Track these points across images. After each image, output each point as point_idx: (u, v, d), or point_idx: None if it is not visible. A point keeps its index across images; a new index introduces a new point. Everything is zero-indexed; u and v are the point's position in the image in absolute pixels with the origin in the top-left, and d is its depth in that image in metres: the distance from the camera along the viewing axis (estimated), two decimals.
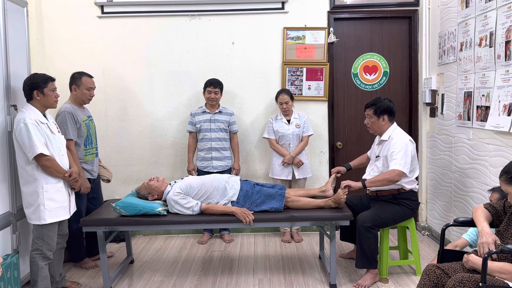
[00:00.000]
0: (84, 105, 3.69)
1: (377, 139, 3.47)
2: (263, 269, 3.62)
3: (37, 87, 2.92)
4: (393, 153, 3.16)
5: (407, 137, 3.26)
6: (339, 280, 3.35)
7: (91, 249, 3.83)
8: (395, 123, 3.37)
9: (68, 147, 3.34)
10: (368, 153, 3.62)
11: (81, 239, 3.66)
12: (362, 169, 3.68)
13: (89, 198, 3.70)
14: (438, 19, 4.11)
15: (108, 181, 3.89)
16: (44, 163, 2.87)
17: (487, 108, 3.19)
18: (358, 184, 3.22)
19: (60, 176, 2.97)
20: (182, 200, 3.21)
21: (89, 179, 3.59)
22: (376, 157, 3.36)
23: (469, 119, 3.49)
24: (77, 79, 3.55)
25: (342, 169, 3.56)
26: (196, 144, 4.25)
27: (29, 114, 2.87)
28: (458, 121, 3.69)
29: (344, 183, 3.24)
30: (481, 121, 3.30)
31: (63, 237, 3.18)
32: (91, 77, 3.62)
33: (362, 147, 4.57)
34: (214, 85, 4.09)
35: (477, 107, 3.35)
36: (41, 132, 2.87)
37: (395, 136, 3.25)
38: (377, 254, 3.22)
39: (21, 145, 2.85)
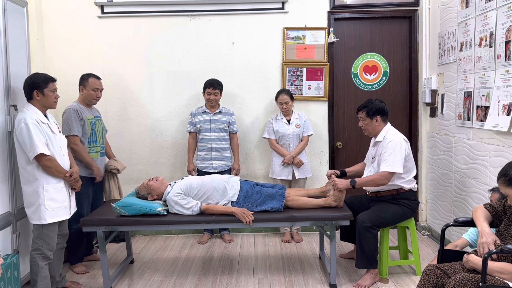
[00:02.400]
0: (93, 106, 3.76)
1: (372, 141, 3.47)
2: (263, 269, 3.62)
3: (37, 87, 2.92)
4: (384, 154, 3.18)
5: (401, 137, 3.27)
6: (339, 280, 3.35)
7: (85, 248, 3.83)
8: (389, 124, 3.37)
9: (74, 143, 3.44)
10: (365, 160, 3.62)
11: (80, 241, 3.64)
12: (359, 176, 3.64)
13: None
14: (438, 19, 4.11)
15: (117, 170, 3.81)
16: (44, 163, 2.87)
17: (487, 108, 3.19)
18: (347, 184, 3.19)
19: (60, 176, 2.98)
20: (182, 201, 3.21)
21: (91, 177, 3.61)
22: (372, 158, 3.37)
23: (469, 119, 3.49)
24: (85, 80, 3.64)
25: (337, 172, 3.55)
26: (196, 144, 4.25)
27: (30, 114, 2.87)
28: (458, 121, 3.69)
29: (333, 181, 3.23)
30: (481, 121, 3.30)
31: (63, 237, 3.18)
32: (98, 78, 3.69)
33: (362, 147, 4.57)
34: (213, 87, 4.08)
35: (477, 107, 3.35)
36: (42, 132, 2.87)
37: (389, 136, 3.26)
38: (377, 254, 3.22)
39: (21, 145, 2.85)
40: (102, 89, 3.73)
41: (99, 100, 3.72)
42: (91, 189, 3.64)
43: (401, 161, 3.16)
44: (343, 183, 3.21)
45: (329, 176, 3.46)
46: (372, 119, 3.31)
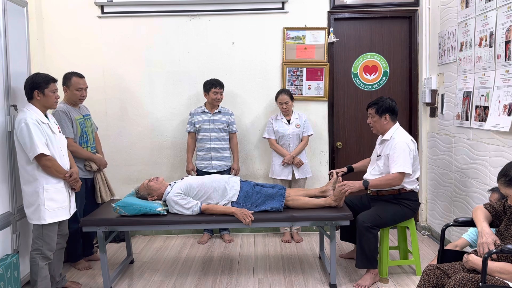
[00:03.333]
0: (81, 104, 3.69)
1: (379, 138, 3.47)
2: (263, 269, 3.62)
3: (38, 87, 2.92)
4: (394, 155, 3.17)
5: (409, 137, 3.27)
6: (339, 280, 3.35)
7: (85, 248, 3.83)
8: (397, 123, 3.37)
9: (69, 144, 3.37)
10: (372, 157, 3.61)
11: (78, 240, 3.65)
12: (364, 171, 3.66)
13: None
14: (438, 19, 4.11)
15: (91, 168, 3.65)
16: (44, 163, 2.87)
17: (486, 108, 3.20)
18: (360, 187, 3.20)
19: (60, 176, 2.97)
20: (182, 201, 3.20)
21: (84, 178, 3.59)
22: (378, 156, 3.36)
23: (467, 119, 3.49)
24: (67, 79, 3.53)
25: (343, 169, 3.55)
26: (195, 144, 4.24)
27: (30, 114, 2.87)
28: (456, 121, 3.69)
29: (346, 189, 3.18)
30: (479, 121, 3.30)
31: (63, 237, 3.18)
32: (81, 77, 3.57)
33: (362, 147, 4.58)
34: (220, 86, 4.10)
35: (476, 107, 3.35)
36: (42, 132, 2.87)
37: (396, 136, 3.25)
38: (377, 254, 3.22)
39: (22, 145, 2.85)
40: (87, 87, 3.61)
41: (84, 99, 3.62)
42: (84, 189, 3.59)
43: (410, 162, 3.16)
44: (356, 185, 3.19)
45: (330, 174, 3.45)
46: (381, 117, 3.31)
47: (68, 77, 3.53)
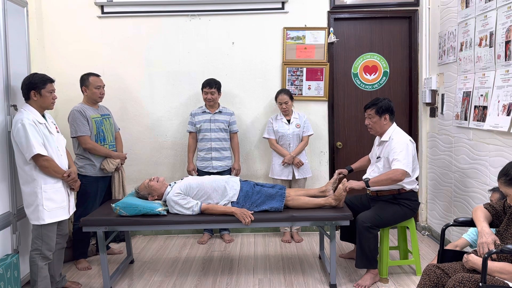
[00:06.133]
0: (102, 105, 3.84)
1: (377, 140, 3.46)
2: (263, 269, 3.62)
3: (34, 87, 2.91)
4: (394, 153, 3.16)
5: (407, 137, 3.26)
6: (339, 280, 3.35)
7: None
8: (394, 123, 3.37)
9: (85, 142, 3.55)
10: (370, 155, 3.61)
11: (85, 237, 3.69)
12: (364, 170, 3.67)
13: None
14: (438, 19, 4.11)
15: (106, 171, 3.74)
16: (42, 163, 2.87)
17: (485, 108, 3.20)
18: (361, 184, 3.21)
19: (58, 176, 2.97)
20: (182, 201, 3.20)
21: (97, 176, 3.68)
22: (377, 158, 3.36)
23: (466, 119, 3.49)
24: (85, 80, 3.69)
25: (344, 171, 3.56)
26: (196, 144, 4.25)
27: (27, 114, 2.87)
28: (455, 121, 3.69)
29: (346, 184, 3.19)
30: (477, 121, 3.30)
31: (63, 237, 3.18)
32: (98, 76, 3.74)
33: (362, 147, 4.58)
34: (210, 86, 4.08)
35: (475, 107, 3.35)
36: (39, 132, 2.87)
37: (395, 136, 3.25)
38: (377, 254, 3.22)
39: (18, 145, 2.85)
40: (104, 85, 3.77)
41: (103, 96, 3.77)
42: (100, 187, 3.71)
43: (410, 161, 3.16)
44: (358, 183, 3.20)
45: (338, 175, 3.46)
46: (381, 117, 3.30)
47: (86, 78, 3.69)
